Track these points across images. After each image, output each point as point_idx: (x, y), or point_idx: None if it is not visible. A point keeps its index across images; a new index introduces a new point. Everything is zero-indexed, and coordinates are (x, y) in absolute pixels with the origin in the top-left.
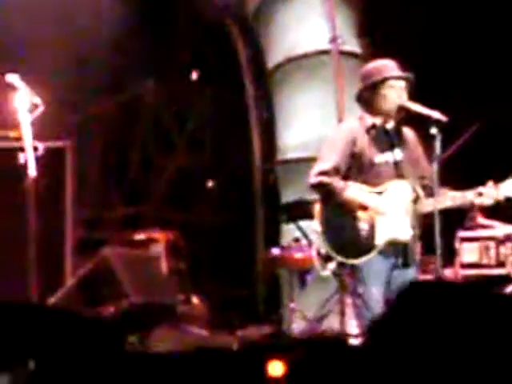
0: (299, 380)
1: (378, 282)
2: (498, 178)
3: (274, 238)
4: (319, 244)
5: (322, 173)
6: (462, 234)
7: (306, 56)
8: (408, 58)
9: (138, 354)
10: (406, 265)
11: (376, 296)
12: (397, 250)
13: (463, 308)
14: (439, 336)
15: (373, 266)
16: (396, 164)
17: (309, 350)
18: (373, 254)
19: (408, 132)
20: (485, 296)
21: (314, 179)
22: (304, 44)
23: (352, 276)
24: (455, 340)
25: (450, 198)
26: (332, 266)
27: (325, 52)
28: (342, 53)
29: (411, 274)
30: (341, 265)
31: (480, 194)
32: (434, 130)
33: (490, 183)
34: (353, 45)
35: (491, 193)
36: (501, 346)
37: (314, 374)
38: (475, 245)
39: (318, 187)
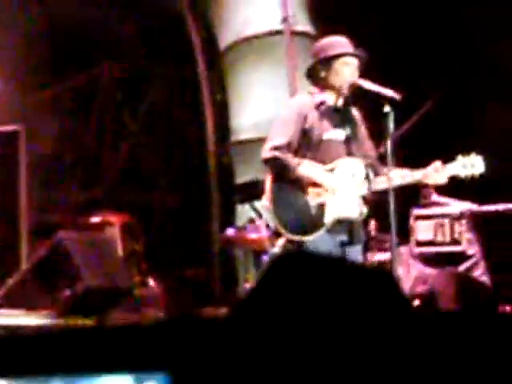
0: None
1: None
2: (451, 156)
3: (229, 219)
4: (268, 220)
5: (276, 148)
6: (416, 211)
7: (258, 36)
8: (360, 36)
9: None
10: (351, 243)
11: None
12: (343, 228)
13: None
14: (303, 311)
15: (320, 243)
16: (345, 142)
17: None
18: (321, 232)
19: (355, 111)
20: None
21: (267, 154)
22: (256, 24)
23: None
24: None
25: (400, 177)
26: (281, 242)
27: (277, 32)
28: (294, 33)
29: (357, 251)
30: (289, 242)
31: (428, 176)
32: (386, 108)
33: (437, 163)
34: (305, 24)
35: (439, 171)
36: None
37: None
38: (430, 222)
39: (272, 162)
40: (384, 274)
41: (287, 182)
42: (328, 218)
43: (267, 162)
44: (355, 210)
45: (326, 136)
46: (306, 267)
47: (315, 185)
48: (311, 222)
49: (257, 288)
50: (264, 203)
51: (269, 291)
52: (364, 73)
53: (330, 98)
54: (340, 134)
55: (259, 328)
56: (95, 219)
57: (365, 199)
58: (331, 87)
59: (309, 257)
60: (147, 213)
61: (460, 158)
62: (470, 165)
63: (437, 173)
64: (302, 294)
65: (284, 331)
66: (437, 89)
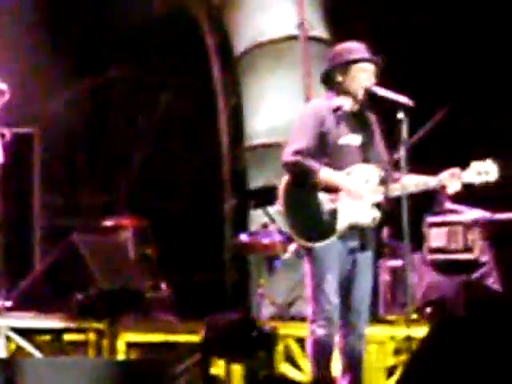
0: None
1: (334, 266)
2: (464, 162)
3: (242, 224)
4: (281, 225)
5: (298, 152)
6: (429, 218)
7: (273, 41)
8: (375, 43)
9: None
10: (362, 248)
11: (331, 281)
12: (355, 234)
13: None
14: None
15: (330, 249)
16: (361, 147)
17: None
18: (333, 238)
19: (371, 116)
20: None
21: (289, 158)
22: (271, 29)
23: (309, 259)
24: None
25: (413, 184)
26: (292, 248)
27: (292, 37)
28: (310, 38)
29: (369, 257)
30: (301, 247)
31: (442, 184)
32: (400, 115)
33: (453, 170)
34: (320, 30)
35: (453, 179)
36: None
37: None
38: (443, 230)
39: (293, 166)
40: None
41: (302, 187)
42: (341, 225)
43: (288, 166)
44: (368, 216)
45: (342, 141)
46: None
47: (329, 190)
48: (323, 228)
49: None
50: (277, 208)
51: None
52: (378, 79)
53: (346, 103)
54: (356, 140)
55: None
56: (108, 223)
57: (378, 206)
58: (347, 92)
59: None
60: (160, 217)
61: (474, 165)
62: (485, 171)
63: (452, 179)
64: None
65: None
66: (451, 97)
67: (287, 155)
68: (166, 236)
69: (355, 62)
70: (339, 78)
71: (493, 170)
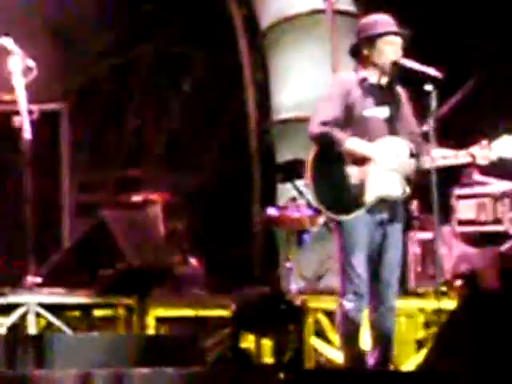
0: None
1: (362, 239)
2: (492, 136)
3: (270, 198)
4: (309, 198)
5: (324, 123)
6: (458, 191)
7: (300, 15)
8: (403, 15)
9: None
10: (391, 221)
11: (360, 254)
12: (384, 206)
13: None
14: None
15: (359, 222)
16: (387, 120)
17: None
18: (361, 211)
19: (400, 90)
20: None
21: (316, 129)
22: (298, 3)
23: (338, 232)
24: None
25: (442, 157)
26: (321, 220)
27: (319, 11)
28: (337, 11)
29: (397, 230)
30: (334, 221)
31: (472, 155)
32: (428, 87)
33: (483, 142)
34: (347, 3)
35: (483, 153)
36: None
37: None
38: (472, 202)
39: (319, 137)
40: None
41: (329, 159)
42: (369, 197)
43: (315, 137)
44: (398, 188)
45: (367, 113)
46: None
47: (357, 163)
48: (351, 200)
49: None
50: (305, 181)
51: None
52: (406, 51)
53: (373, 76)
54: (382, 112)
55: None
56: (137, 198)
57: (408, 179)
58: (374, 65)
59: None
60: (189, 192)
61: (505, 137)
62: None
63: (482, 152)
64: None
65: None
66: (480, 68)
67: (314, 126)
68: (195, 211)
69: (381, 35)
70: (366, 52)
71: None
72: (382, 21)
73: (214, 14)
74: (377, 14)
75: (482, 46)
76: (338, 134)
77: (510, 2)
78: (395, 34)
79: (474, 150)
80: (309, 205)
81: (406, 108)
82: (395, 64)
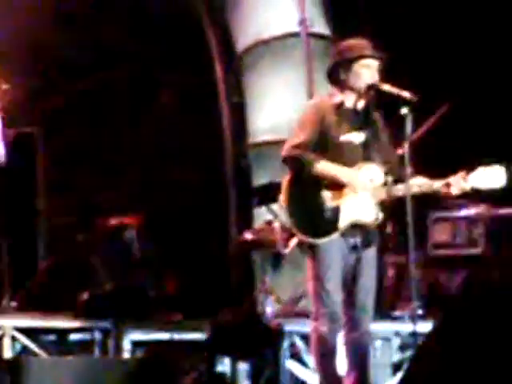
0: None
1: (336, 263)
2: (469, 160)
3: (246, 222)
4: (283, 220)
5: (295, 146)
6: (433, 214)
7: (275, 39)
8: (378, 39)
9: None
10: (366, 245)
11: (333, 278)
12: (358, 231)
13: None
14: None
15: (332, 246)
16: (363, 145)
17: None
18: (335, 235)
19: (377, 115)
20: None
21: (286, 153)
22: (273, 27)
23: (312, 256)
24: None
25: (416, 186)
26: (293, 243)
27: (294, 34)
28: (312, 35)
29: (372, 253)
30: (302, 243)
31: (448, 185)
32: (404, 110)
33: (461, 174)
34: (322, 27)
35: (459, 185)
36: None
37: None
38: (447, 225)
39: (291, 160)
40: None
41: (305, 182)
42: (343, 222)
43: (286, 160)
44: (371, 215)
45: (342, 138)
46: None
47: (332, 188)
48: (325, 224)
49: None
50: (280, 203)
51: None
52: (382, 75)
53: (349, 100)
54: (358, 137)
55: None
56: (113, 221)
57: (382, 204)
58: (351, 89)
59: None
60: (165, 216)
61: (481, 170)
62: (492, 177)
63: (458, 184)
64: None
65: None
66: (455, 92)
67: (286, 150)
68: (171, 235)
69: (358, 58)
70: (342, 76)
71: (501, 175)
72: (359, 44)
73: (189, 38)
74: (353, 39)
75: (456, 70)
76: (309, 155)
77: (482, 26)
78: (372, 57)
79: (451, 180)
80: (284, 228)
81: (383, 134)
82: (372, 87)
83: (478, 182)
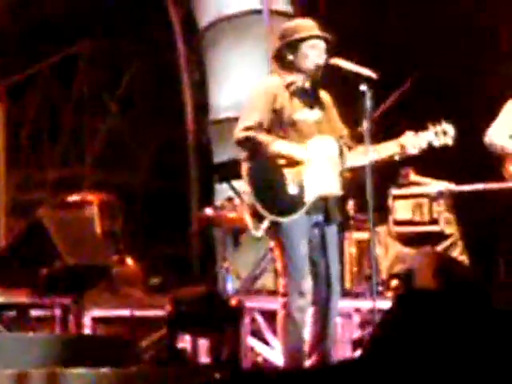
0: None
1: (303, 239)
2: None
3: (207, 198)
4: (251, 203)
5: (248, 128)
6: (394, 191)
7: (237, 15)
8: (338, 15)
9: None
10: (327, 221)
11: (302, 254)
12: (320, 208)
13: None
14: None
15: (298, 223)
16: (317, 122)
17: None
18: (301, 212)
19: (324, 93)
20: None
21: (239, 134)
22: (235, 3)
23: (278, 234)
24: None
25: (374, 151)
26: (265, 225)
27: (256, 11)
28: (273, 12)
29: (334, 230)
30: (273, 223)
31: (402, 146)
32: (363, 87)
33: (410, 133)
34: (284, 4)
35: (412, 141)
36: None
37: None
38: (408, 202)
39: (245, 142)
40: None
41: (263, 163)
42: (309, 197)
43: (240, 142)
44: (335, 186)
45: (296, 116)
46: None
47: (292, 165)
48: (291, 202)
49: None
50: (243, 187)
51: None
52: (341, 52)
53: (298, 80)
54: (311, 115)
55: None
56: (74, 198)
57: (342, 176)
58: (298, 70)
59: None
60: (126, 192)
61: (431, 127)
62: (442, 132)
63: (410, 141)
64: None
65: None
66: (416, 68)
67: (237, 133)
68: (132, 211)
69: (304, 39)
70: (290, 57)
71: (450, 130)
72: (305, 25)
73: (152, 13)
74: (300, 19)
75: (417, 46)
76: (263, 137)
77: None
78: (318, 37)
79: (402, 139)
80: (249, 207)
81: (332, 111)
82: (319, 67)
83: (429, 136)
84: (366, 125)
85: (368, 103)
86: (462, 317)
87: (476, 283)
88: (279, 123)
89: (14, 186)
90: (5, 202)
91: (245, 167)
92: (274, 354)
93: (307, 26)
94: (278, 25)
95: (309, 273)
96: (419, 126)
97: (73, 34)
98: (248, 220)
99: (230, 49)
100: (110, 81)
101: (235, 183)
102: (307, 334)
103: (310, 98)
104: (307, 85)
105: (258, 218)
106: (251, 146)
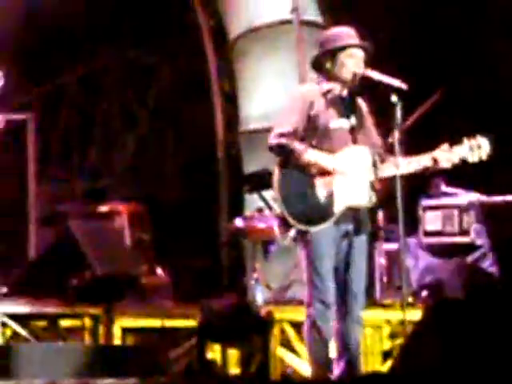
0: None
1: (330, 250)
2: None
3: (237, 209)
4: (279, 212)
5: (282, 135)
6: (424, 202)
7: (267, 26)
8: (370, 27)
9: None
10: (357, 232)
11: (327, 265)
12: (349, 218)
13: None
14: None
15: (326, 233)
16: (351, 131)
17: None
18: (330, 222)
19: (361, 102)
20: None
21: (273, 141)
22: (266, 14)
23: (305, 243)
24: None
25: (406, 163)
26: (292, 233)
27: (286, 22)
28: (304, 22)
29: (364, 240)
30: (300, 233)
31: (435, 160)
32: (394, 98)
33: (444, 146)
34: (314, 14)
35: (445, 156)
36: None
37: None
38: (438, 213)
39: (278, 149)
40: None
41: (294, 171)
42: (338, 207)
43: (273, 149)
44: (365, 196)
45: (332, 124)
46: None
47: (323, 174)
48: (320, 212)
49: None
50: (272, 194)
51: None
52: (372, 63)
53: (335, 88)
54: (346, 123)
55: None
56: (103, 208)
57: (373, 187)
58: (336, 78)
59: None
60: (156, 203)
61: (466, 141)
62: (477, 146)
63: (444, 156)
64: None
65: None
66: (446, 79)
67: (271, 138)
68: (163, 221)
69: (343, 48)
70: (328, 65)
71: (485, 145)
72: (344, 34)
73: (182, 25)
74: (339, 27)
75: (448, 58)
76: (296, 145)
77: (474, 14)
78: (357, 46)
79: (436, 153)
80: (276, 216)
81: (368, 119)
82: (358, 76)
83: (463, 151)
84: (396, 136)
85: (399, 114)
86: (491, 327)
87: (505, 294)
88: (314, 130)
89: (45, 196)
90: (35, 213)
91: (276, 173)
92: (303, 364)
93: (346, 34)
94: (308, 35)
95: (333, 283)
96: (450, 139)
97: (96, 45)
98: (276, 228)
99: (260, 59)
100: (139, 92)
101: (265, 193)
102: (332, 344)
103: (346, 106)
104: (344, 93)
105: (285, 226)
106: (283, 153)
